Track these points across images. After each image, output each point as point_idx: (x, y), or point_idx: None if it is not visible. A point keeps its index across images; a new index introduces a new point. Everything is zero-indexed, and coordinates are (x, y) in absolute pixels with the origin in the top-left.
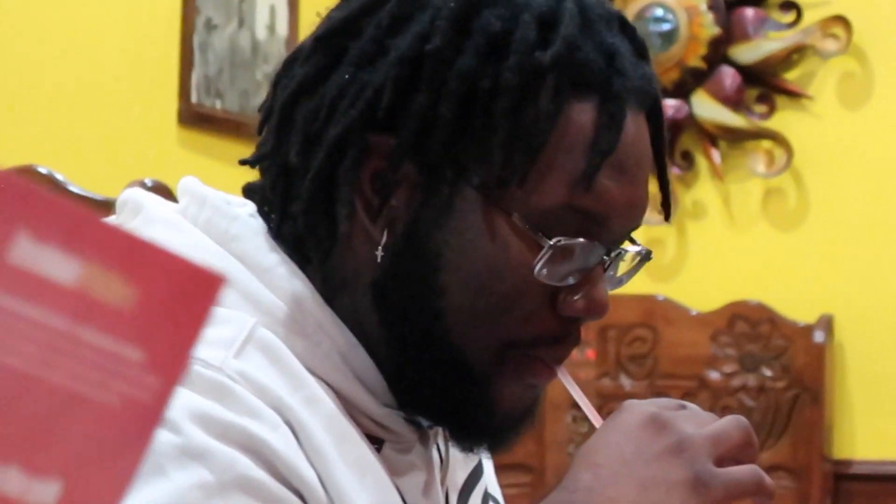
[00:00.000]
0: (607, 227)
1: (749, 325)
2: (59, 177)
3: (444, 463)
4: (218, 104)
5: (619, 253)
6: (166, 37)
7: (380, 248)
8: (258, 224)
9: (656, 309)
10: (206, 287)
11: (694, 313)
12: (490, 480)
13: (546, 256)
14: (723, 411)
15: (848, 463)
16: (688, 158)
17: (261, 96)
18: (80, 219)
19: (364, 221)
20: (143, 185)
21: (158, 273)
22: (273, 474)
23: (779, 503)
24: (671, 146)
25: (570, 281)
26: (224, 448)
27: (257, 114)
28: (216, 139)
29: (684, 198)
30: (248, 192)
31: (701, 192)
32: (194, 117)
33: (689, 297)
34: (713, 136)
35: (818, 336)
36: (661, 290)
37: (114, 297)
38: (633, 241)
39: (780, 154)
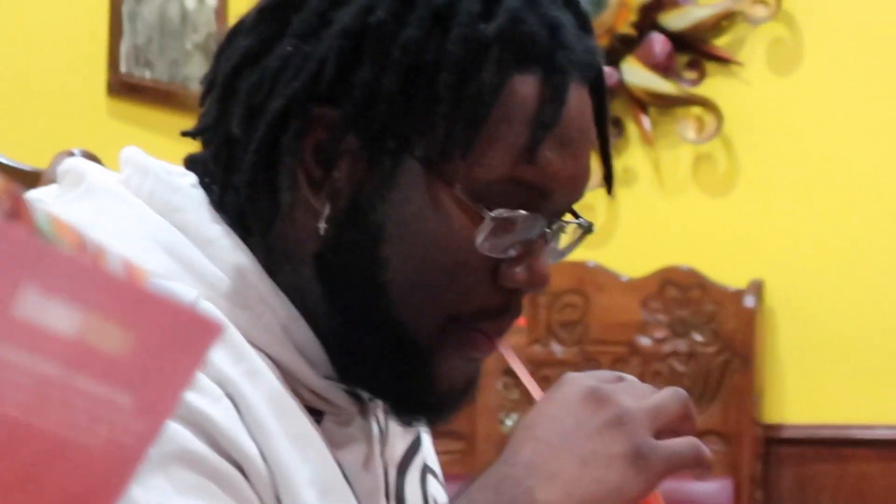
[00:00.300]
0: (550, 199)
1: (679, 291)
2: None
3: (383, 435)
4: (147, 74)
5: (561, 226)
6: (95, 6)
7: (322, 220)
8: (201, 195)
9: (587, 275)
10: (202, 334)
11: (625, 279)
12: (428, 453)
13: (488, 229)
14: (654, 377)
15: (778, 427)
16: (618, 125)
17: (190, 66)
18: (85, 271)
19: (307, 193)
20: (71, 154)
21: (157, 320)
22: (214, 448)
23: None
24: None
25: (512, 253)
26: None
27: (186, 83)
28: (146, 109)
29: (615, 164)
30: (190, 163)
31: (631, 158)
32: (124, 87)
33: (619, 263)
34: (643, 102)
35: (748, 301)
36: (592, 256)
37: (111, 345)
38: (575, 214)
39: (710, 120)
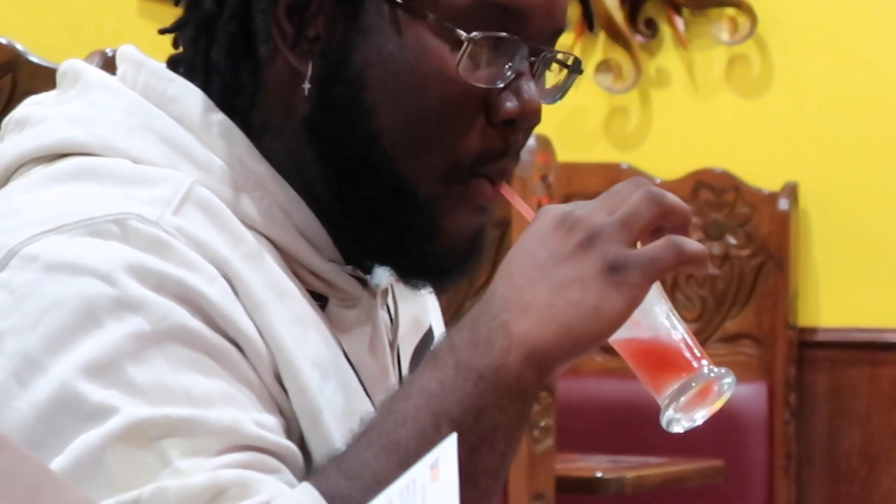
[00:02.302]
0: (527, 23)
1: (713, 194)
2: (20, 47)
3: (393, 324)
4: None
5: (546, 57)
6: None
7: (306, 80)
8: (195, 87)
9: (620, 177)
10: None
11: (658, 181)
12: (437, 331)
13: (466, 52)
14: (687, 280)
15: (812, 330)
16: (651, 26)
17: None
18: None
19: (287, 56)
20: (103, 55)
21: None
22: (209, 324)
23: (743, 371)
24: (634, 15)
25: (499, 84)
26: (159, 299)
27: None
28: (176, 9)
29: (648, 66)
30: (172, 63)
31: (664, 60)
32: None
33: (652, 166)
34: (677, 3)
35: (783, 204)
36: (625, 158)
37: None
38: (561, 57)
39: (743, 21)
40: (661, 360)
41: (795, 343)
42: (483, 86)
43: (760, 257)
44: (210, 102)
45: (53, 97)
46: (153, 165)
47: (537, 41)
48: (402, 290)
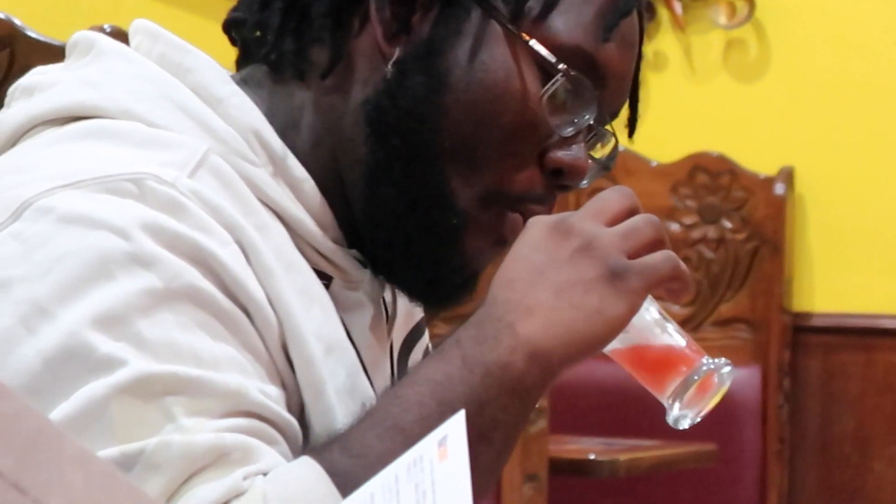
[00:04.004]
0: (603, 91)
1: (709, 177)
2: (18, 22)
3: (390, 318)
4: None
5: (607, 130)
6: None
7: (390, 64)
8: (211, 59)
9: (617, 160)
10: None
11: (654, 164)
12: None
13: (556, 84)
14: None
15: (807, 315)
16: (649, 9)
17: None
18: None
19: (378, 37)
20: (101, 30)
21: None
22: (220, 288)
23: (737, 355)
24: None
25: (569, 130)
26: (173, 258)
27: None
28: None
29: (646, 49)
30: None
31: (662, 43)
32: None
33: (649, 149)
34: None
35: (779, 188)
36: (622, 141)
37: None
38: (608, 141)
39: (741, 5)
40: (660, 361)
41: (790, 328)
42: (556, 124)
43: (755, 241)
44: (226, 75)
45: (63, 66)
46: (169, 131)
47: (604, 111)
48: None
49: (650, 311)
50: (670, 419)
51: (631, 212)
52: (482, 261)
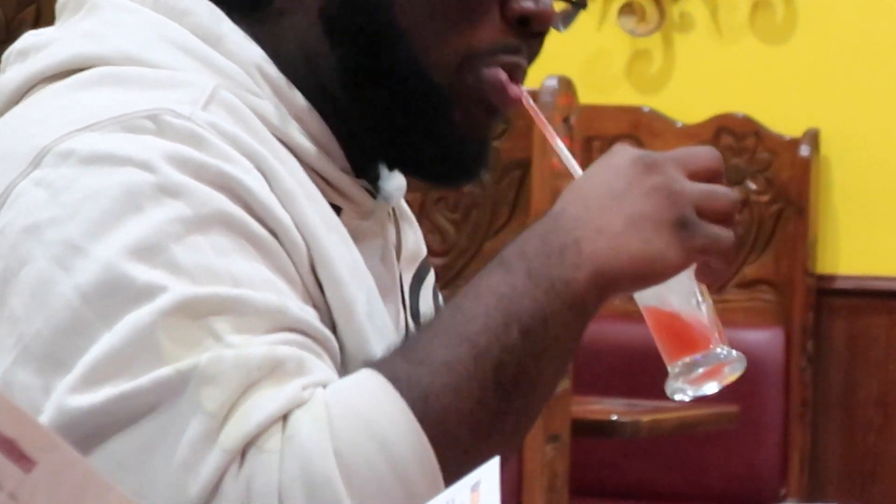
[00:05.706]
0: None
1: (734, 138)
2: None
3: (398, 249)
4: None
5: None
6: None
7: None
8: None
9: (642, 120)
10: None
11: (679, 125)
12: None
13: None
14: None
15: (831, 278)
16: None
17: None
18: None
19: None
20: None
21: None
22: (249, 213)
23: (761, 317)
24: None
25: None
26: (200, 185)
27: None
28: None
29: (671, 9)
30: None
31: (688, 4)
32: None
33: (674, 110)
34: None
35: (804, 150)
36: (647, 101)
37: None
38: None
39: None
40: (681, 333)
41: (814, 290)
42: None
43: (780, 203)
44: (221, 13)
45: (56, 26)
46: (175, 71)
47: None
48: (402, 220)
49: (690, 281)
50: (668, 389)
51: (714, 173)
52: (481, 131)
